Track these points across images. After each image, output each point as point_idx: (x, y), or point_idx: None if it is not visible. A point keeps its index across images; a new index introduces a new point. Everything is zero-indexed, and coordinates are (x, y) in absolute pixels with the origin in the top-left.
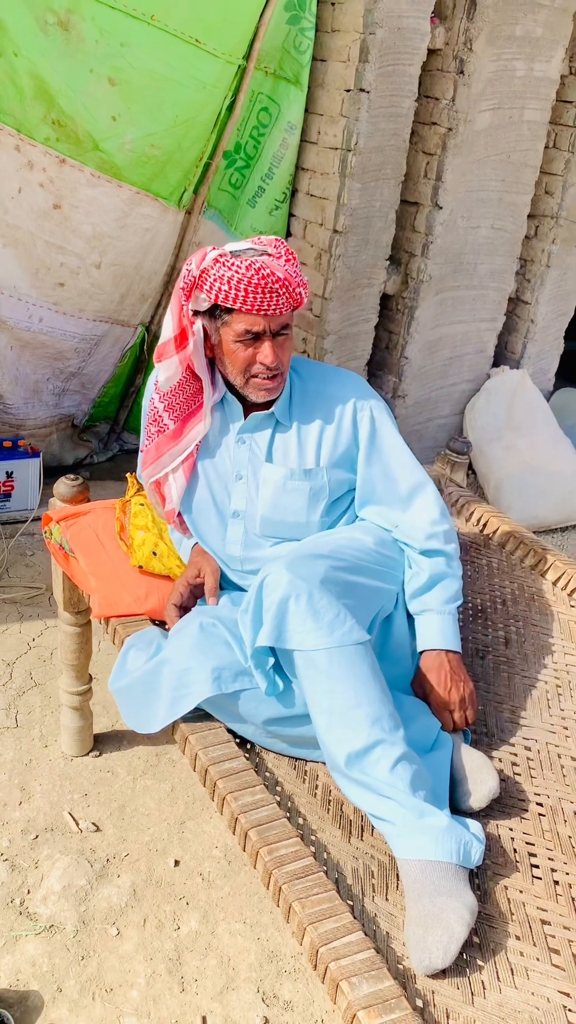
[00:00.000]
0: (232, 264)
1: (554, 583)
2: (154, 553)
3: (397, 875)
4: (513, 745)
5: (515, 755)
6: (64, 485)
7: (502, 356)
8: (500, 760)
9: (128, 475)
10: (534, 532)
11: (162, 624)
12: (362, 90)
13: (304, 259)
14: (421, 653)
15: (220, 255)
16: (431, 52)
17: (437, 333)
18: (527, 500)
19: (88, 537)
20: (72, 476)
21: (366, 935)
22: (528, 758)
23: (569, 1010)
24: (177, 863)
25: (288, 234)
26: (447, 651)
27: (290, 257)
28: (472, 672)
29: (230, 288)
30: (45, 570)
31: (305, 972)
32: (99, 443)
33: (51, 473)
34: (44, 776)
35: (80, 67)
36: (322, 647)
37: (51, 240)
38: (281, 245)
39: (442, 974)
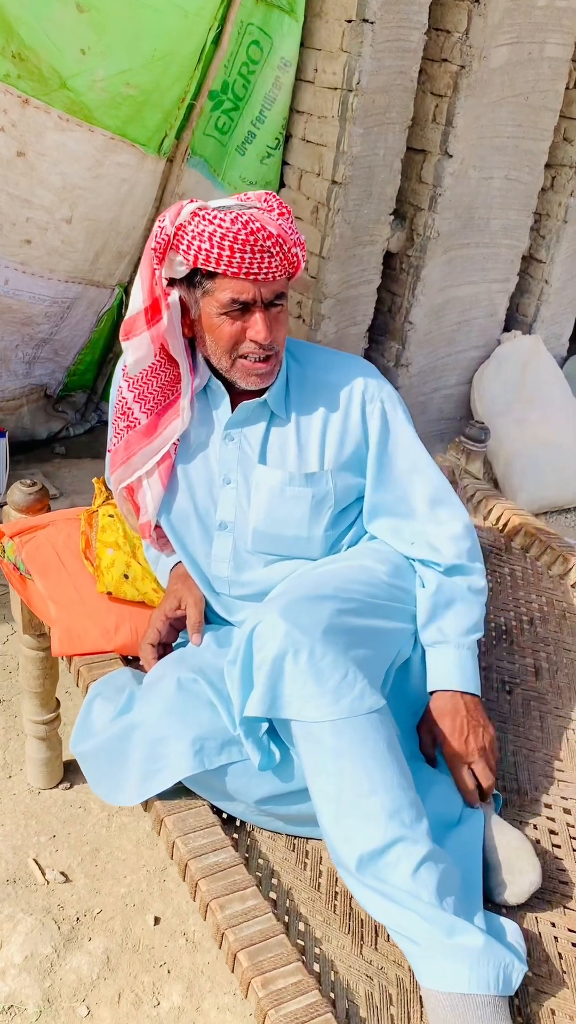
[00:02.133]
0: (215, 218)
1: None
2: (126, 576)
3: (421, 999)
4: (551, 807)
5: (552, 820)
6: (19, 492)
7: (513, 320)
8: (536, 827)
9: (95, 480)
10: (546, 513)
11: (137, 661)
12: (365, 20)
13: (299, 213)
14: (431, 694)
15: (200, 208)
16: None
17: (445, 295)
18: (539, 478)
19: (47, 556)
20: (29, 481)
21: None
22: (569, 824)
23: None
24: (157, 920)
25: (281, 185)
26: (463, 693)
27: (284, 211)
28: (498, 711)
29: (212, 246)
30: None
31: None
32: (75, 414)
33: (23, 448)
34: (7, 813)
35: None
36: (327, 719)
37: (15, 192)
38: (272, 198)
39: None
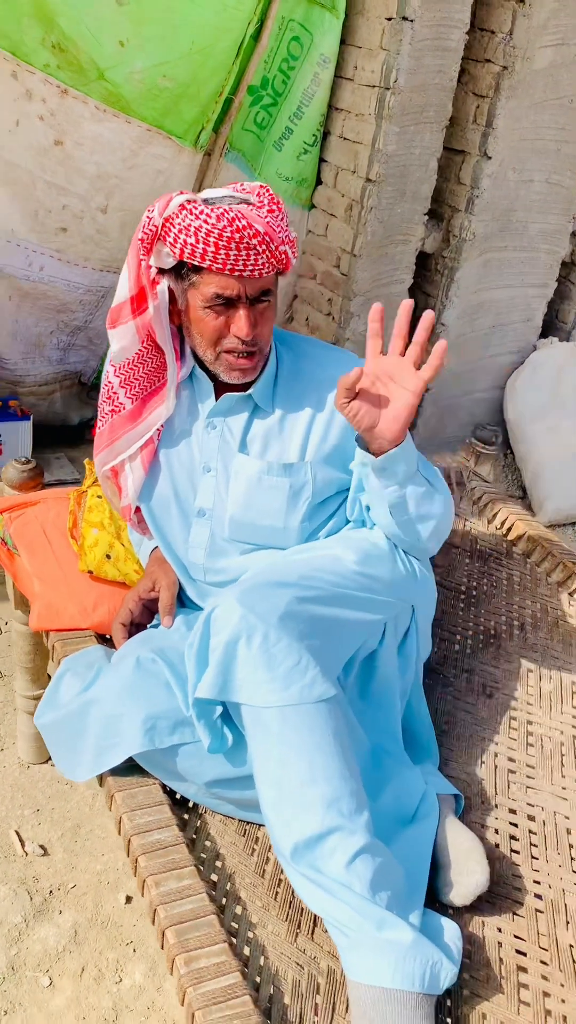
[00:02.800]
0: (201, 212)
1: None
2: (108, 556)
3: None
4: (515, 813)
5: (515, 826)
6: (14, 469)
7: (551, 326)
8: (497, 831)
9: (87, 461)
10: (574, 524)
11: (111, 641)
12: (405, 18)
13: (333, 211)
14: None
15: (188, 200)
16: None
17: (479, 298)
18: (569, 487)
19: (34, 532)
20: (24, 459)
21: None
22: (531, 830)
23: None
24: (129, 899)
25: (318, 182)
26: None
27: (274, 208)
28: (475, 715)
29: (197, 241)
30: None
31: None
32: None
33: (54, 432)
34: None
35: None
36: (274, 704)
37: (52, 180)
38: (266, 193)
39: None
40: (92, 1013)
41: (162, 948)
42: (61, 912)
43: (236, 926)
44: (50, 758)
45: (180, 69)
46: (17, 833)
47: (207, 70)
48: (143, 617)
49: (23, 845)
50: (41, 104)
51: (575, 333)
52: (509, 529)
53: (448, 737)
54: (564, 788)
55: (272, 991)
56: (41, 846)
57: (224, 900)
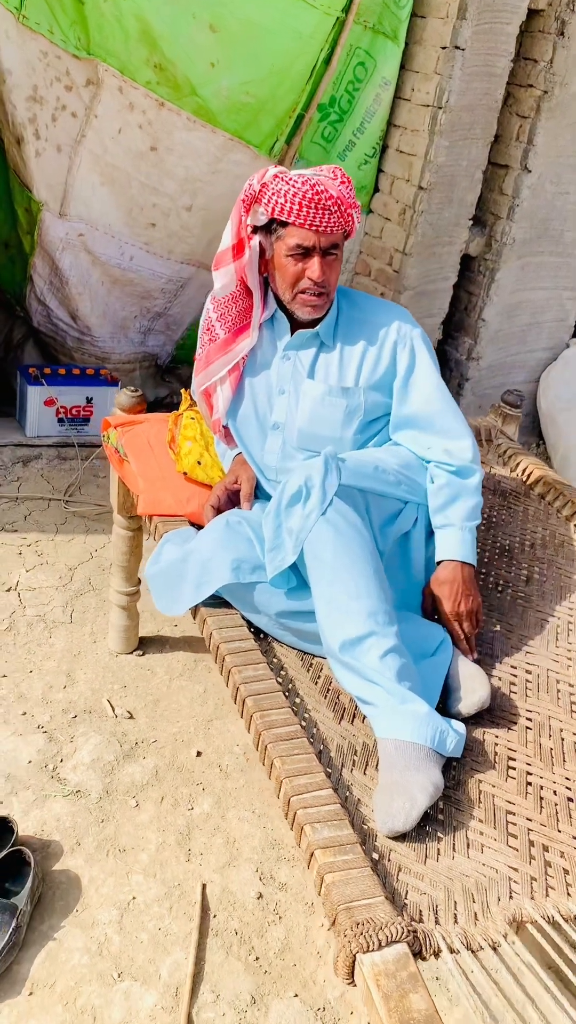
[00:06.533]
0: (290, 179)
1: None
2: (199, 463)
3: (377, 754)
4: (515, 668)
5: (515, 676)
6: (125, 396)
7: None
8: (499, 679)
9: (183, 391)
10: None
11: (200, 527)
12: (457, 47)
13: (388, 215)
14: (438, 564)
15: (280, 172)
16: (532, 13)
17: (517, 297)
18: None
19: (141, 443)
20: (132, 388)
21: (335, 792)
22: (527, 680)
23: (514, 881)
24: (199, 754)
25: (376, 189)
26: (463, 564)
27: (345, 180)
28: (488, 604)
29: (285, 201)
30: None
31: (303, 861)
32: (180, 385)
33: None
34: (89, 667)
35: (183, 12)
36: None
37: (146, 181)
38: (339, 171)
39: (401, 837)
40: (170, 828)
41: (241, 716)
42: (145, 757)
43: (295, 710)
44: (135, 649)
45: (261, 87)
46: (109, 701)
47: (284, 89)
48: (227, 504)
49: (114, 710)
50: (141, 115)
51: None
52: (529, 475)
53: None
54: (557, 655)
55: (320, 747)
56: (128, 712)
57: (286, 692)
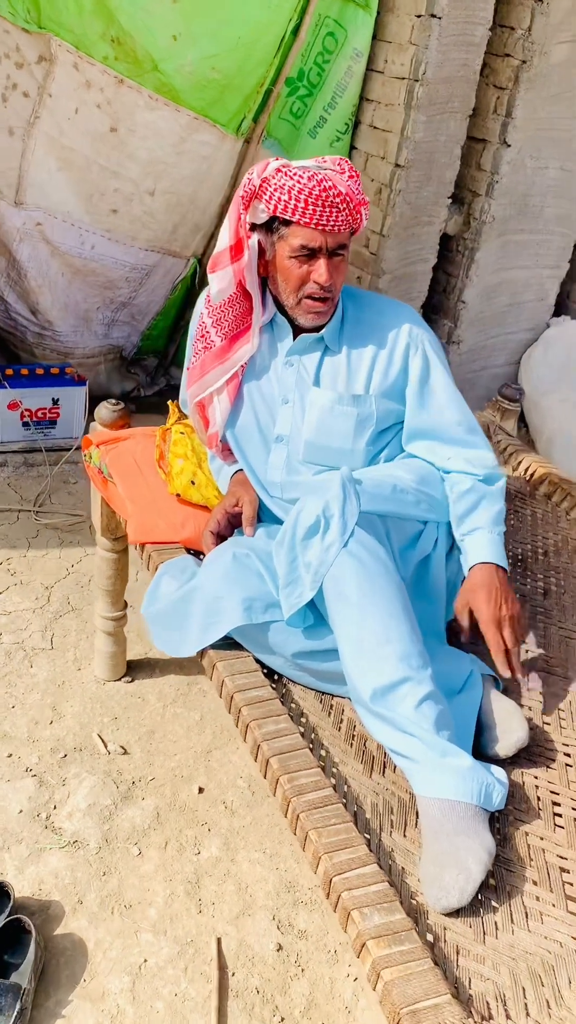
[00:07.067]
0: (294, 174)
1: None
2: (192, 482)
3: (416, 813)
4: (544, 695)
5: (545, 703)
6: (106, 410)
7: (564, 306)
8: (530, 708)
9: (170, 403)
10: None
11: (197, 555)
12: (433, 16)
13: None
14: (471, 569)
15: (283, 165)
16: None
17: (497, 278)
18: None
19: (127, 463)
20: (114, 401)
21: (380, 868)
22: (560, 708)
23: None
24: (201, 790)
25: None
26: (497, 567)
27: (353, 175)
28: None
29: (290, 198)
30: (87, 498)
31: (321, 904)
32: (146, 377)
33: (97, 403)
34: (76, 698)
35: None
36: (351, 576)
37: (106, 164)
38: (345, 163)
39: (455, 913)
40: (177, 876)
41: (265, 777)
42: (144, 798)
43: (323, 764)
44: (123, 676)
45: (227, 62)
46: (100, 736)
47: (251, 63)
48: (227, 530)
49: (106, 745)
50: (99, 93)
51: None
52: (532, 475)
53: None
54: None
55: (356, 809)
56: (121, 747)
57: (311, 745)
